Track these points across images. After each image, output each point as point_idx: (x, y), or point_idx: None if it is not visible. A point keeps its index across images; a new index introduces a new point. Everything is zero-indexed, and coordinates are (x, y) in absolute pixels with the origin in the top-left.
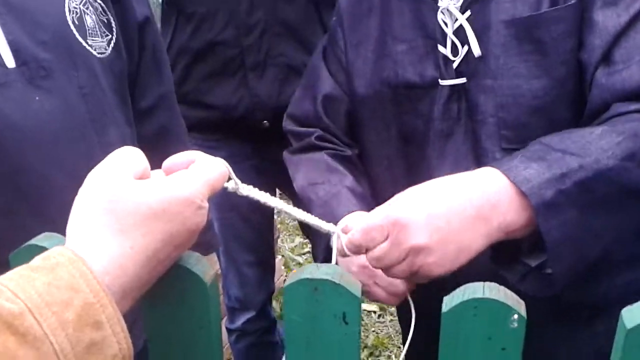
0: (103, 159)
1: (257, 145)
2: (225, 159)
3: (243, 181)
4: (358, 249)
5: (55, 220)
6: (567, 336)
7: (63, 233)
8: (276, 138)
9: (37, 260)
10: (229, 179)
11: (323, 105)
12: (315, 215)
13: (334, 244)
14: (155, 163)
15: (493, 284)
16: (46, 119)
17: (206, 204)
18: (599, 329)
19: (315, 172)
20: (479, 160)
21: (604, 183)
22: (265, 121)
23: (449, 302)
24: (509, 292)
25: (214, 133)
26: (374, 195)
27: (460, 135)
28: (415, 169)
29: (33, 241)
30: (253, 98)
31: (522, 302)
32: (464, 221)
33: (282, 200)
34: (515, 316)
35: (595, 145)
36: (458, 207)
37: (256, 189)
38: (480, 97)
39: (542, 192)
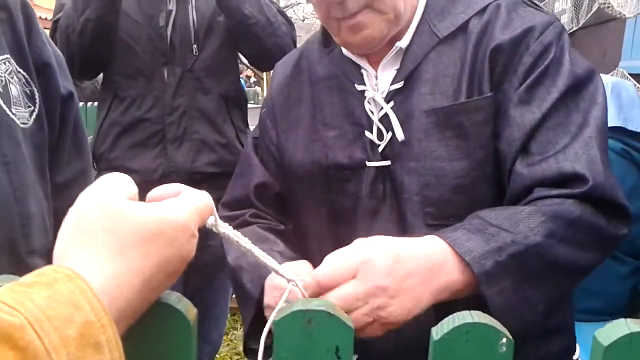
0: (20, 230)
1: None
2: None
3: None
4: (323, 289)
5: None
6: None
7: None
8: None
9: (30, 276)
10: None
11: (255, 192)
12: (246, 281)
13: (286, 291)
14: None
15: (478, 312)
16: None
17: (197, 233)
18: None
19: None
20: (405, 236)
21: (532, 256)
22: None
23: (439, 330)
24: (493, 319)
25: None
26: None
27: (386, 214)
28: (344, 246)
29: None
30: (170, 164)
31: (505, 327)
32: (420, 275)
33: (256, 248)
34: (504, 340)
35: (524, 224)
36: (416, 261)
37: (228, 225)
38: (405, 177)
39: (483, 262)
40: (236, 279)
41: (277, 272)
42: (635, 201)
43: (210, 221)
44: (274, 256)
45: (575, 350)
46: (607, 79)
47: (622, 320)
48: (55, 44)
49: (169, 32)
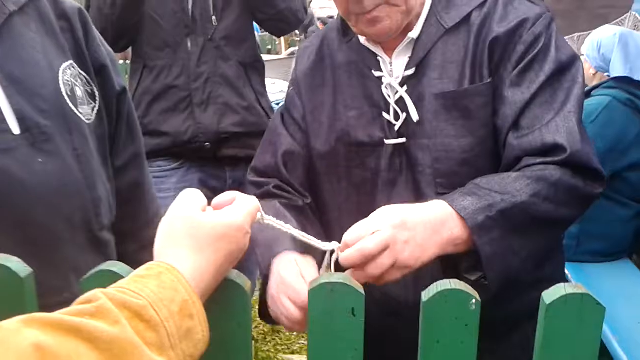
0: (93, 211)
1: (200, 175)
2: (174, 185)
3: None
4: (361, 257)
5: (57, 262)
6: (489, 348)
7: (62, 274)
8: (216, 164)
9: (141, 270)
10: None
11: (283, 160)
12: (258, 254)
13: (331, 260)
14: (130, 211)
15: (455, 280)
16: (48, 177)
17: (250, 230)
18: (514, 340)
19: None
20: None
21: (518, 212)
22: (207, 143)
23: (426, 293)
24: (467, 285)
25: (167, 162)
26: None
27: (403, 185)
28: (364, 215)
29: (102, 267)
30: (198, 126)
31: (475, 291)
32: (426, 231)
33: (294, 228)
34: (473, 300)
35: (511, 186)
36: (421, 221)
37: (273, 218)
38: (418, 152)
39: (475, 217)
40: (251, 250)
41: (317, 247)
42: (636, 150)
43: (258, 217)
44: (283, 240)
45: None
46: (614, 30)
47: (561, 284)
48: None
49: (190, 5)
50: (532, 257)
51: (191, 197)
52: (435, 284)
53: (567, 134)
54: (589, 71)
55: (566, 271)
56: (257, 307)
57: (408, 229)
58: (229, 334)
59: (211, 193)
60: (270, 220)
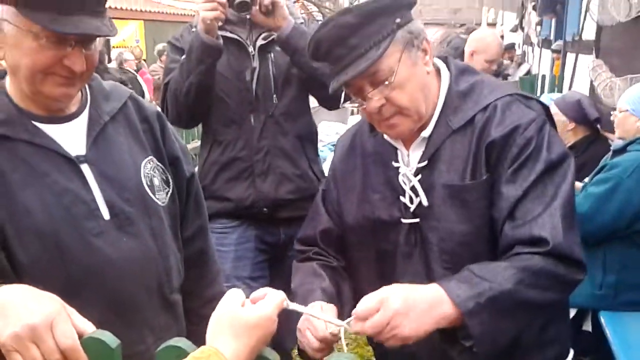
0: (165, 277)
1: (257, 232)
2: (234, 240)
3: (246, 256)
4: (360, 319)
5: (135, 321)
6: None
7: (138, 330)
8: (271, 224)
9: (197, 353)
10: None
11: (320, 236)
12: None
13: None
14: (196, 274)
15: None
16: (131, 254)
17: (276, 319)
18: None
19: (305, 275)
20: (428, 275)
21: (504, 298)
22: (265, 209)
23: None
24: None
25: (229, 221)
26: (356, 294)
27: (416, 257)
28: (386, 281)
29: (171, 342)
30: (258, 194)
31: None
32: (423, 309)
33: (314, 310)
34: None
35: (500, 275)
36: (420, 300)
37: (295, 304)
38: (428, 232)
39: (467, 303)
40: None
41: (329, 322)
42: None
43: (284, 305)
44: (316, 291)
45: (568, 356)
46: None
47: None
48: (166, 102)
49: (254, 85)
50: (533, 326)
51: (233, 296)
52: None
53: (552, 229)
54: (634, 124)
55: (601, 319)
56: None
57: (408, 307)
58: None
59: (267, 247)
60: (293, 306)
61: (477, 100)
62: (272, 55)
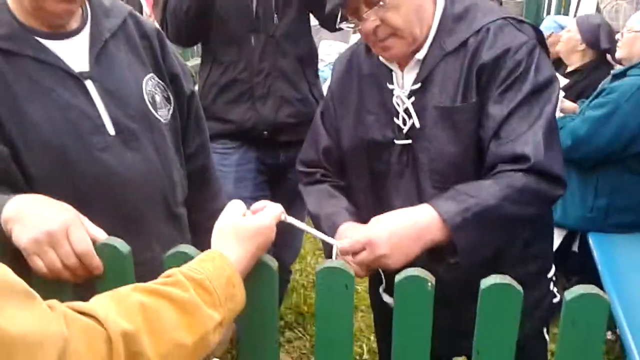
0: (170, 191)
1: (258, 153)
2: (235, 161)
3: (247, 177)
4: (347, 254)
5: (142, 231)
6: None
7: (145, 240)
8: (271, 147)
9: (202, 255)
10: None
11: (324, 155)
12: (324, 226)
13: (334, 250)
14: (199, 189)
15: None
16: (135, 168)
17: (275, 228)
18: None
19: (321, 198)
20: (418, 193)
21: (490, 213)
22: (265, 132)
23: (399, 277)
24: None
25: (230, 141)
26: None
27: (408, 176)
28: (380, 199)
29: (179, 248)
30: (258, 117)
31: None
32: (409, 239)
33: (309, 227)
34: (429, 284)
35: (485, 191)
36: (406, 230)
37: (293, 218)
38: (419, 152)
39: (454, 218)
40: (317, 224)
41: (325, 241)
42: None
43: (282, 218)
44: (341, 212)
45: (550, 270)
46: None
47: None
48: (166, 20)
49: (254, 4)
50: (516, 238)
51: (235, 206)
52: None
53: (533, 147)
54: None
55: (590, 240)
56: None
57: (393, 245)
58: (260, 298)
59: (267, 168)
60: (290, 220)
61: (471, 23)
62: None
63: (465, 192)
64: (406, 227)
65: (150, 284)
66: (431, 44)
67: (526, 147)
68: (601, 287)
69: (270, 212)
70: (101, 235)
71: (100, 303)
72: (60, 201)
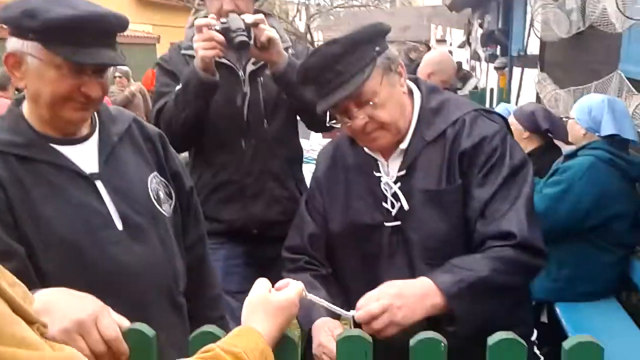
0: (173, 281)
1: (246, 248)
2: (223, 255)
3: (235, 271)
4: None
5: (147, 320)
6: None
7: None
8: (260, 243)
9: (235, 331)
10: None
11: (309, 241)
12: (300, 317)
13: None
14: (196, 279)
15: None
16: (142, 260)
17: (298, 304)
18: None
19: None
20: (411, 271)
21: (481, 284)
22: (255, 230)
23: (414, 340)
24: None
25: (218, 238)
26: (346, 295)
27: (400, 256)
28: (372, 279)
29: (204, 328)
30: (249, 216)
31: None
32: (416, 298)
33: (325, 300)
34: (443, 344)
35: (476, 264)
36: (412, 293)
37: (312, 295)
38: (410, 233)
39: (450, 288)
40: None
41: (342, 313)
42: (619, 202)
43: (303, 294)
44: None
45: (532, 334)
46: (601, 96)
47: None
48: (158, 126)
49: (245, 111)
50: (501, 310)
51: (262, 284)
52: (419, 334)
53: (518, 224)
54: (579, 132)
55: (557, 309)
56: None
57: (402, 298)
58: None
59: (255, 261)
60: (310, 296)
61: (447, 116)
62: (262, 79)
63: (459, 265)
64: (412, 288)
65: (193, 359)
66: (412, 135)
67: (511, 225)
68: None
69: (294, 287)
70: (125, 322)
71: None
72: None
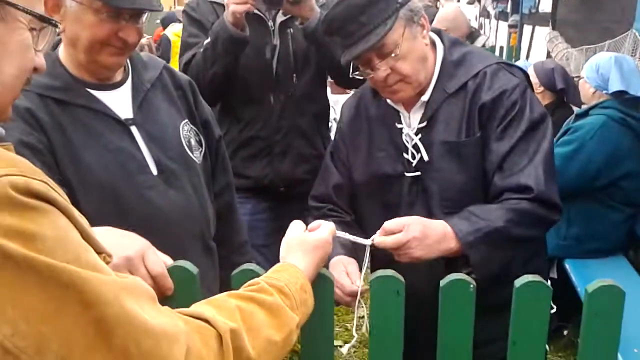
0: (206, 225)
1: (271, 204)
2: (249, 210)
3: (260, 226)
4: (387, 233)
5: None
6: (489, 319)
7: None
8: (286, 199)
9: (277, 267)
10: None
11: (334, 190)
12: None
13: (367, 252)
14: (225, 225)
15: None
16: (177, 204)
17: (332, 242)
18: (506, 315)
19: None
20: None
21: (497, 233)
22: (282, 188)
23: (443, 282)
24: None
25: (244, 193)
26: None
27: (419, 205)
28: None
29: (244, 266)
30: (276, 174)
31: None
32: (434, 238)
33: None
34: (472, 286)
35: (493, 214)
36: (433, 233)
37: (341, 231)
38: (429, 183)
39: (467, 237)
40: None
41: (357, 241)
42: (629, 161)
43: (334, 234)
44: (336, 248)
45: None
46: (610, 54)
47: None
48: None
49: (274, 64)
50: (516, 259)
51: (297, 225)
52: (448, 276)
53: (535, 178)
54: (588, 90)
55: (566, 266)
56: None
57: (422, 238)
58: (322, 302)
59: (279, 214)
60: (340, 233)
61: (468, 69)
62: (292, 31)
63: (476, 214)
64: (432, 228)
65: (240, 291)
66: (434, 88)
67: (529, 179)
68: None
69: (326, 228)
70: (169, 260)
71: (204, 308)
72: None
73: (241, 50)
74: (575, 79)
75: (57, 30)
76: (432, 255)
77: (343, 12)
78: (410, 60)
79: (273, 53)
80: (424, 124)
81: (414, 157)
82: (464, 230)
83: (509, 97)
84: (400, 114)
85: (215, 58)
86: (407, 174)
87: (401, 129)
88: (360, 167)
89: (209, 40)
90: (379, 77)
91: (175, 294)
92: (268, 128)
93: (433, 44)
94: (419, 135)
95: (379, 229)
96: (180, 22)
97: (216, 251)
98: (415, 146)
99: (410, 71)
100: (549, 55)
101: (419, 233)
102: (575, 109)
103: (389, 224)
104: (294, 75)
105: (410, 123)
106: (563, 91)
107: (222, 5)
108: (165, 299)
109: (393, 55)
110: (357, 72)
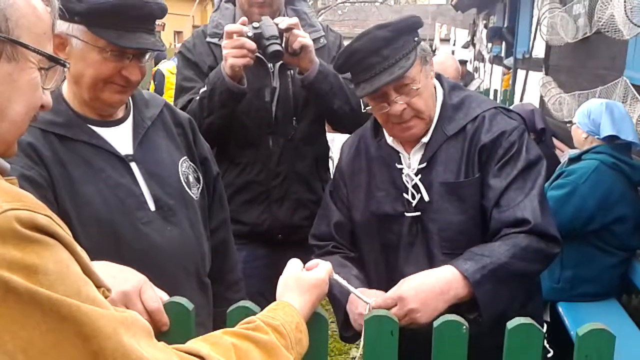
0: (201, 262)
1: (267, 250)
2: (243, 257)
3: (254, 274)
4: (381, 308)
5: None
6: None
7: None
8: (282, 246)
9: (272, 305)
10: None
11: (335, 229)
12: (336, 292)
13: (367, 308)
14: (219, 261)
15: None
16: (173, 240)
17: (328, 282)
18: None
19: (333, 267)
20: (430, 260)
21: (502, 270)
22: (280, 235)
23: (437, 322)
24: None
25: (240, 239)
26: (367, 282)
27: (418, 246)
28: (391, 267)
29: (240, 304)
30: (273, 220)
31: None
32: (435, 294)
33: (348, 284)
34: (464, 327)
35: (496, 251)
36: (432, 286)
37: (337, 276)
38: (429, 223)
39: (474, 275)
40: (329, 290)
41: (361, 299)
42: (622, 205)
43: (330, 275)
44: (352, 279)
45: (543, 327)
46: (600, 100)
47: (519, 318)
48: None
49: (273, 107)
50: (516, 300)
51: (295, 264)
52: (442, 317)
53: (532, 212)
54: (581, 136)
55: (560, 309)
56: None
57: (421, 303)
58: (316, 342)
59: (273, 262)
60: (336, 277)
61: (467, 112)
62: (292, 73)
63: (480, 253)
64: (432, 284)
65: (236, 329)
66: (434, 129)
67: (525, 212)
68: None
69: (323, 268)
70: (164, 296)
71: (199, 345)
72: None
73: (238, 103)
74: (567, 124)
75: (65, 69)
76: (438, 311)
77: (367, 44)
78: (425, 96)
79: (272, 96)
80: (424, 164)
81: (414, 197)
82: (470, 269)
83: (507, 138)
84: (401, 155)
85: (212, 109)
86: (407, 214)
87: (401, 169)
88: (360, 206)
89: (205, 89)
90: (395, 111)
91: (170, 330)
92: (266, 173)
93: (434, 87)
94: (419, 176)
95: (378, 268)
96: (168, 59)
97: (210, 288)
98: (415, 186)
99: (424, 107)
100: (541, 100)
101: (416, 303)
102: (569, 153)
103: (380, 302)
104: (294, 118)
105: (410, 164)
106: (543, 131)
107: (220, 47)
108: (160, 335)
109: (413, 88)
110: (368, 107)
